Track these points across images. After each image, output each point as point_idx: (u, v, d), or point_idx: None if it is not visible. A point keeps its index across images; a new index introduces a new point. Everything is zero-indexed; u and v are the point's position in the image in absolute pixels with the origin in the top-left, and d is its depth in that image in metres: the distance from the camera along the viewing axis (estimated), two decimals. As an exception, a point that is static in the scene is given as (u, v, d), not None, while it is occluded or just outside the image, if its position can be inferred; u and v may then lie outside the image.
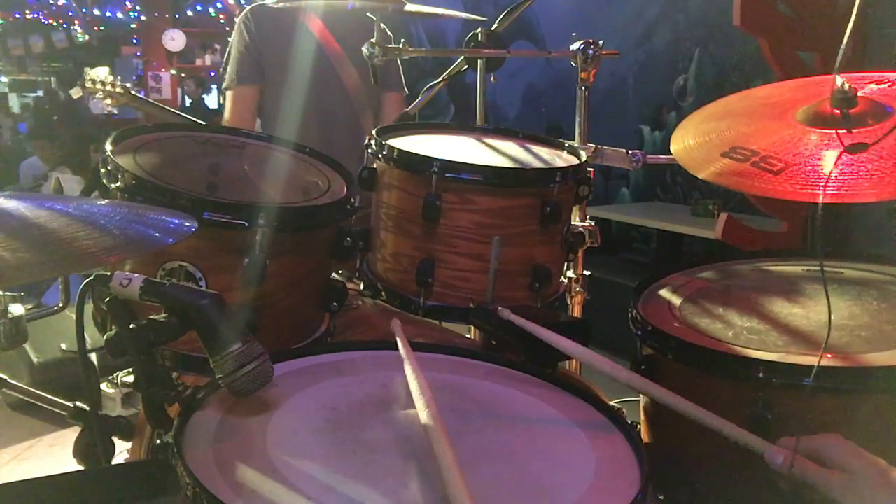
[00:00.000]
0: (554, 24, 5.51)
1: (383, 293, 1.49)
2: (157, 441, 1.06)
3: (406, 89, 2.78)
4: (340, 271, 1.64)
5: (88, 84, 3.01)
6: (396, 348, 1.21)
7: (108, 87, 2.98)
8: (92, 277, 1.00)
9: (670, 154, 1.39)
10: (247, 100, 2.63)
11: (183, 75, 9.36)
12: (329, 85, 2.60)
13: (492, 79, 2.11)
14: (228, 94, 2.65)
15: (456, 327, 1.61)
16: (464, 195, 1.37)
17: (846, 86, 1.22)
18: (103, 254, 0.83)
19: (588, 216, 1.73)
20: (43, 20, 9.80)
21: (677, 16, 4.84)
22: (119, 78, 3.06)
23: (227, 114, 2.66)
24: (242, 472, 0.82)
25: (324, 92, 2.57)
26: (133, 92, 3.06)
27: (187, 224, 0.98)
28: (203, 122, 2.35)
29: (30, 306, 1.68)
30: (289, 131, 2.47)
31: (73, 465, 1.20)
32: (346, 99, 2.64)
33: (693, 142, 1.34)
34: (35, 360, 3.39)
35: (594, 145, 1.78)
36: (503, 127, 1.76)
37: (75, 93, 3.09)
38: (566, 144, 1.64)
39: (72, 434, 1.23)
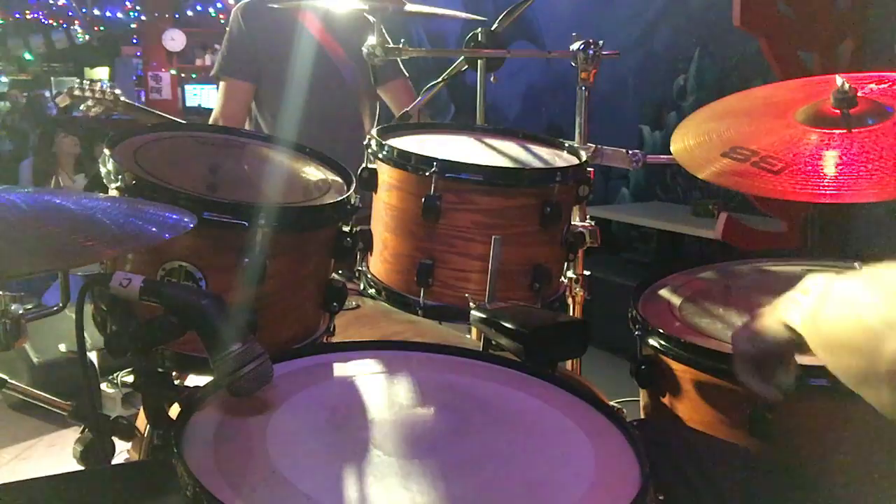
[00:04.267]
0: (554, 24, 5.51)
1: (383, 293, 1.49)
2: (157, 441, 1.06)
3: (407, 73, 2.75)
4: (340, 271, 1.64)
5: (77, 92, 2.95)
6: (396, 348, 1.21)
7: (98, 95, 2.92)
8: (92, 277, 1.00)
9: (670, 154, 1.39)
10: (237, 95, 2.57)
11: (183, 75, 9.37)
12: (331, 84, 2.58)
13: (492, 79, 2.10)
14: (221, 84, 2.60)
15: (456, 327, 1.61)
16: (464, 195, 1.37)
17: (846, 86, 1.22)
18: (101, 247, 0.83)
19: (588, 216, 1.73)
20: (43, 20, 9.79)
21: (677, 16, 4.83)
22: (110, 84, 3.00)
23: (217, 107, 2.60)
24: (242, 472, 0.82)
25: (326, 91, 2.54)
26: (123, 99, 3.00)
27: (185, 220, 0.98)
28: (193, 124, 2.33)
29: (30, 306, 1.68)
30: (290, 130, 2.45)
31: (73, 465, 1.20)
32: (348, 98, 2.62)
33: (693, 142, 1.35)
34: (35, 360, 3.39)
35: (594, 145, 1.78)
36: (503, 127, 1.76)
37: (62, 101, 3.02)
38: (566, 144, 1.64)
39: (72, 434, 1.23)
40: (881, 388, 0.74)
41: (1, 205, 0.84)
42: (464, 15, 2.55)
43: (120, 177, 1.20)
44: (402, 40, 1.95)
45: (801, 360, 1.11)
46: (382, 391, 1.06)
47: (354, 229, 1.44)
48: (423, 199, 1.36)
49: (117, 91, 2.95)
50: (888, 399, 0.74)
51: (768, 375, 0.99)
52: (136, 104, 3.15)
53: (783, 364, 0.99)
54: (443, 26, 6.70)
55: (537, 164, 1.53)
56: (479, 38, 1.96)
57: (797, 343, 0.93)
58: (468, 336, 1.71)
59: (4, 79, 10.20)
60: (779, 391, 0.99)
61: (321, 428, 0.94)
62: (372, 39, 1.84)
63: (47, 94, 9.52)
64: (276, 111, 2.56)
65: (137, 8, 9.71)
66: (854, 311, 0.79)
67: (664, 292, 1.44)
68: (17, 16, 9.70)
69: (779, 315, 0.95)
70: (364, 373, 1.11)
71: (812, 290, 0.91)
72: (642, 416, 1.36)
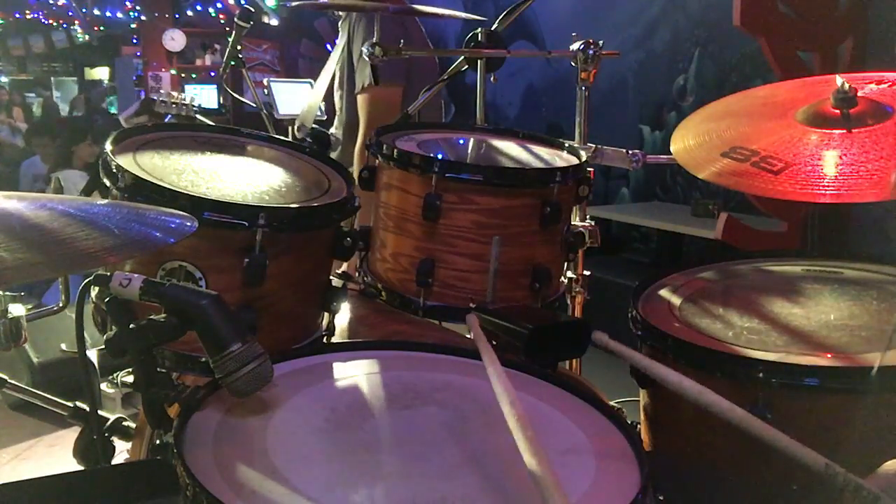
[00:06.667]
0: (554, 24, 5.51)
1: (383, 293, 1.49)
2: (157, 441, 1.06)
3: None
4: (340, 271, 1.64)
5: (161, 108, 2.69)
6: (396, 348, 1.21)
7: (181, 110, 2.67)
8: (92, 277, 1.00)
9: (670, 154, 1.39)
10: (395, 100, 2.37)
11: (183, 75, 9.37)
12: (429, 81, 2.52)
13: (492, 79, 2.10)
14: (364, 96, 2.38)
15: (456, 327, 1.60)
16: (464, 195, 1.37)
17: (846, 86, 1.22)
18: (103, 254, 0.83)
19: (588, 216, 1.73)
20: (43, 20, 9.80)
21: (677, 16, 4.83)
22: (182, 95, 2.74)
23: (368, 118, 2.36)
24: (242, 472, 0.82)
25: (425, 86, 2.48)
26: (200, 119, 2.75)
27: (188, 223, 0.98)
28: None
29: (30, 306, 1.68)
30: None
31: (73, 465, 1.20)
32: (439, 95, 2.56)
33: (693, 142, 1.35)
34: (35, 360, 3.39)
35: (594, 145, 1.78)
36: (503, 127, 1.76)
37: (133, 118, 2.79)
38: (566, 144, 1.64)
39: (72, 434, 1.24)
40: None
41: (3, 211, 0.84)
42: (464, 15, 2.54)
43: (120, 177, 1.20)
44: (402, 40, 1.95)
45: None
46: (382, 391, 1.06)
47: (354, 229, 1.44)
48: (423, 199, 1.36)
49: (195, 107, 2.73)
50: None
51: None
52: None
53: None
54: (443, 26, 6.70)
55: (537, 164, 1.53)
56: (479, 38, 1.96)
57: None
58: (468, 336, 1.71)
59: (4, 79, 10.20)
60: None
61: (321, 428, 0.94)
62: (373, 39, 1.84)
63: (56, 95, 9.54)
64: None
65: (137, 8, 9.71)
66: None
67: (664, 292, 1.44)
68: (18, 16, 9.70)
69: None
70: (364, 373, 1.11)
71: None
72: (642, 417, 1.36)
